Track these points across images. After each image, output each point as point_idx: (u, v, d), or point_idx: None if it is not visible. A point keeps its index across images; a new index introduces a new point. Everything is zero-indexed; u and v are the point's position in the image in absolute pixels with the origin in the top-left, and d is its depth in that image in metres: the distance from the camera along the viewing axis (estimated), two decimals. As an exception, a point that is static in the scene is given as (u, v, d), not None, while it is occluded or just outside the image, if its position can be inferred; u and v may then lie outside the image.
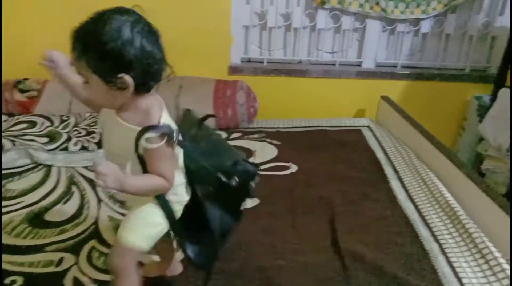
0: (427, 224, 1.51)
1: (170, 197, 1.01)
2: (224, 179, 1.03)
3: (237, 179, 1.04)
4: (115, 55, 0.84)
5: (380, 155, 2.01)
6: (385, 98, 2.47)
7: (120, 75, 0.85)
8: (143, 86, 0.90)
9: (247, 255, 1.33)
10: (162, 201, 1.00)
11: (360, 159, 1.97)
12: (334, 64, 2.61)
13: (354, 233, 1.44)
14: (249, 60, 2.62)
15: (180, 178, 1.03)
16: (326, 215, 1.56)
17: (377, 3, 2.44)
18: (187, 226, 1.06)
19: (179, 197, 1.05)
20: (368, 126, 2.36)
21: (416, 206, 1.62)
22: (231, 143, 2.13)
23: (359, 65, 2.64)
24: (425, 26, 2.56)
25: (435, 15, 2.52)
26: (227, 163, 1.05)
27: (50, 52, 1.03)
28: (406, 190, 1.72)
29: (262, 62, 2.57)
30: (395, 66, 2.64)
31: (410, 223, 1.51)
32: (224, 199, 1.08)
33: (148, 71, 0.88)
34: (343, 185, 1.74)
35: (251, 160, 1.94)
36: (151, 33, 0.89)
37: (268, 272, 1.27)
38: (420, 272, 1.28)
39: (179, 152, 1.01)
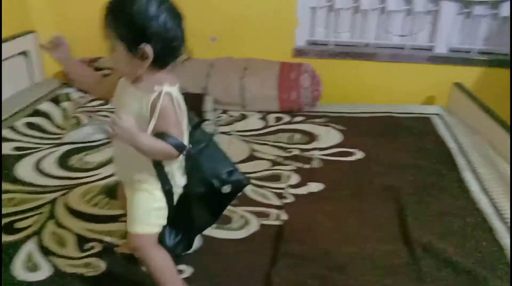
0: (502, 218, 1.44)
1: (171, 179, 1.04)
2: (217, 185, 1.10)
3: (229, 188, 1.12)
4: (140, 26, 0.91)
5: (451, 144, 1.92)
6: (458, 85, 2.35)
7: (142, 45, 0.92)
8: (161, 60, 0.96)
9: (314, 239, 1.34)
10: (165, 182, 1.04)
11: (429, 148, 1.90)
12: (403, 48, 2.51)
13: (424, 223, 1.40)
14: (314, 43, 2.58)
15: (181, 162, 1.07)
16: (393, 203, 1.52)
17: (454, -16, 2.31)
18: (170, 215, 1.10)
19: (178, 180, 1.07)
20: (438, 114, 2.26)
21: (491, 200, 1.54)
22: (294, 126, 2.13)
23: (430, 50, 2.51)
24: (506, 9, 2.38)
25: (519, -3, 2.34)
26: (223, 171, 1.12)
27: (56, 36, 1.11)
28: (480, 182, 1.63)
29: (327, 45, 2.52)
30: (469, 52, 2.49)
31: (484, 216, 1.44)
32: (211, 201, 1.14)
33: (167, 47, 0.95)
34: (411, 174, 1.69)
35: (314, 144, 1.94)
36: (175, 14, 0.96)
37: (335, 257, 1.26)
38: (495, 268, 1.22)
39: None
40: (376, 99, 2.44)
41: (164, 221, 1.09)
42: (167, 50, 0.96)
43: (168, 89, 0.96)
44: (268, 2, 2.37)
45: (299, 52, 2.48)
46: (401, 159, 1.81)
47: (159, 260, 1.07)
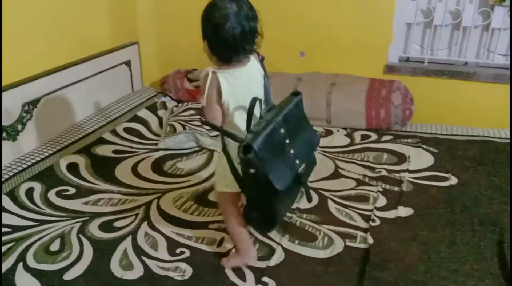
0: None
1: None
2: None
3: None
4: (202, 27, 1.16)
5: (561, 177, 1.74)
6: None
7: (204, 42, 1.16)
8: (218, 55, 1.16)
9: (401, 267, 1.28)
10: (223, 143, 1.21)
11: (534, 179, 1.73)
12: (507, 68, 2.33)
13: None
14: (407, 59, 2.49)
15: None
16: (490, 235, 1.41)
17: None
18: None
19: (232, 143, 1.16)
20: (544, 142, 2.06)
21: None
22: (382, 145, 2.06)
23: (539, 71, 2.31)
24: None
25: None
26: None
27: None
28: None
29: (422, 62, 2.42)
30: None
31: None
32: None
33: (219, 46, 1.13)
34: (510, 205, 1.55)
35: (403, 165, 1.86)
36: (237, 21, 1.11)
37: (425, 288, 1.20)
38: None
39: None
40: (473, 122, 2.28)
41: (226, 183, 1.24)
42: (220, 48, 1.14)
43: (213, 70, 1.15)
44: (362, 17, 2.33)
45: (391, 69, 2.41)
46: (499, 188, 1.67)
47: (231, 219, 1.28)
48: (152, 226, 1.44)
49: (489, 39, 2.32)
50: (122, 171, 1.79)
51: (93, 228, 1.43)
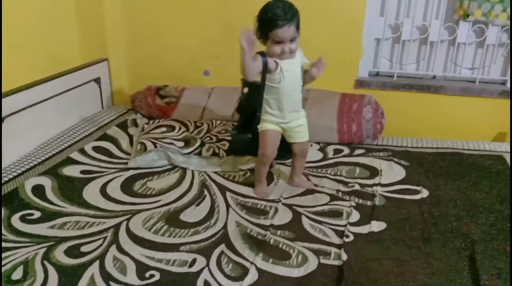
0: None
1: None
2: None
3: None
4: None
5: (528, 187, 1.78)
6: (535, 122, 2.19)
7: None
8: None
9: (377, 283, 1.26)
10: None
11: (504, 191, 1.76)
12: (474, 81, 2.39)
13: (499, 276, 1.28)
14: (377, 74, 2.53)
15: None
16: (463, 250, 1.41)
17: (531, 15, 2.18)
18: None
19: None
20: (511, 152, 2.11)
21: None
22: (355, 159, 2.07)
23: (503, 84, 2.38)
24: None
25: None
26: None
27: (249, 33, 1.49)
28: None
29: (392, 76, 2.46)
30: (548, 86, 2.34)
31: None
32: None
33: None
34: (484, 220, 1.57)
35: (376, 179, 1.87)
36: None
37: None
38: None
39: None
40: (443, 134, 2.33)
41: None
42: None
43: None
44: (333, 33, 2.36)
45: (361, 83, 2.44)
46: (471, 200, 1.70)
47: None
48: (121, 250, 1.39)
49: (455, 53, 2.39)
50: (90, 192, 1.73)
51: (59, 254, 1.37)
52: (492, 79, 2.40)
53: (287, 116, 1.69)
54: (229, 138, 2.01)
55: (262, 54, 1.59)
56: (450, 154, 2.09)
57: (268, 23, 1.51)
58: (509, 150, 2.14)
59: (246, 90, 1.75)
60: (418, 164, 2.01)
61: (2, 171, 1.78)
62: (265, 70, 1.59)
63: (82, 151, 2.02)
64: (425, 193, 1.76)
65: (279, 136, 1.73)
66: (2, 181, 1.71)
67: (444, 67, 2.44)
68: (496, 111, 2.35)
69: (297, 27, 1.54)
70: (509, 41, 2.30)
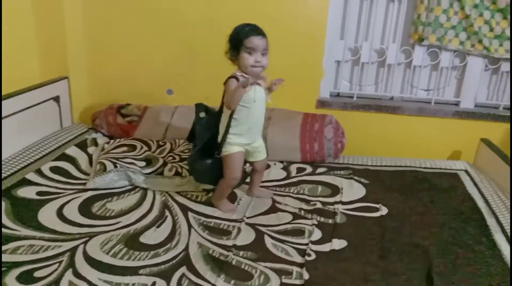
0: (539, 287, 1.35)
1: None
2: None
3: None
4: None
5: (480, 204, 1.85)
6: (486, 141, 2.30)
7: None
8: None
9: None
10: None
11: (458, 207, 1.83)
12: (429, 102, 2.50)
13: (454, 289, 1.32)
14: (338, 95, 2.60)
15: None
16: (420, 265, 1.45)
17: (480, 41, 2.31)
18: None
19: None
20: (465, 170, 2.20)
21: (525, 266, 1.45)
22: (317, 178, 2.10)
23: (457, 105, 2.50)
24: (534, 66, 2.37)
25: (546, 55, 2.33)
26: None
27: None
28: (513, 246, 1.56)
29: (352, 97, 2.54)
30: (497, 107, 2.47)
31: (519, 284, 1.36)
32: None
33: None
34: (440, 235, 1.62)
35: (337, 197, 1.90)
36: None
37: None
38: None
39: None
40: (401, 153, 2.41)
41: None
42: None
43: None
44: (295, 55, 2.41)
45: (323, 104, 2.50)
46: (427, 217, 1.75)
47: None
48: (77, 274, 1.34)
49: (411, 75, 2.49)
50: (46, 215, 1.66)
51: (10, 280, 1.30)
52: (446, 100, 2.51)
53: (253, 137, 1.73)
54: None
55: (235, 77, 1.63)
56: (408, 172, 2.16)
57: (242, 33, 1.59)
58: (463, 168, 2.24)
59: (203, 114, 1.79)
60: (378, 182, 2.06)
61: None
62: None
63: (39, 172, 1.95)
64: (384, 211, 1.81)
65: (243, 157, 1.76)
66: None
67: (401, 89, 2.54)
68: (451, 130, 2.45)
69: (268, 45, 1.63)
70: (491, 67, 2.41)
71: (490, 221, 1.72)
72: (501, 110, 2.45)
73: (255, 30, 1.60)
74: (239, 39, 1.60)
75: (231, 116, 1.67)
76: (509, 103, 2.43)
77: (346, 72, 2.56)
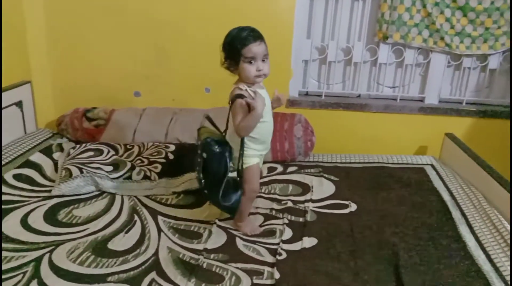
0: (501, 276, 1.40)
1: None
2: None
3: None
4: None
5: (446, 197, 1.90)
6: (450, 136, 2.37)
7: None
8: None
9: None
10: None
11: (424, 201, 1.88)
12: (395, 99, 2.55)
13: (421, 283, 1.35)
14: (307, 93, 2.62)
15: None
16: (388, 259, 1.48)
17: (442, 38, 2.38)
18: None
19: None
20: (431, 165, 2.26)
21: (488, 256, 1.50)
22: (288, 176, 2.11)
23: (422, 101, 2.56)
24: (494, 62, 2.46)
25: (504, 51, 2.41)
26: None
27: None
28: (476, 237, 1.61)
29: (320, 96, 2.56)
30: (460, 103, 2.54)
31: (482, 274, 1.40)
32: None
33: None
34: (407, 229, 1.66)
35: (307, 195, 1.92)
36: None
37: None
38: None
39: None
40: (369, 150, 2.45)
41: None
42: None
43: None
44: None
45: (292, 103, 2.51)
46: (395, 212, 1.79)
47: None
48: (43, 284, 1.30)
49: (377, 73, 2.54)
50: (10, 224, 1.60)
51: (-29, 294, 1.26)
52: (412, 96, 2.57)
53: (268, 145, 1.65)
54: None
55: (240, 96, 1.48)
56: (376, 168, 2.20)
57: (239, 41, 1.45)
58: (429, 162, 2.30)
59: (216, 148, 1.51)
60: (347, 179, 2.09)
61: None
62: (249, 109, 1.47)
63: (1, 180, 1.89)
64: (353, 207, 1.83)
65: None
66: None
67: (368, 86, 2.58)
68: (416, 126, 2.51)
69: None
70: (453, 63, 2.47)
71: (455, 214, 1.77)
72: (464, 105, 2.52)
73: (253, 36, 1.45)
74: (236, 49, 1.45)
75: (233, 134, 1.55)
76: (474, 98, 2.51)
77: (314, 71, 2.59)
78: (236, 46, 1.46)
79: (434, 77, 2.50)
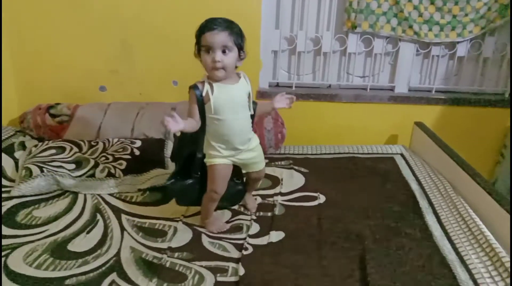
0: (466, 265, 1.40)
1: None
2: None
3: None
4: (243, 37, 1.45)
5: (414, 186, 1.91)
6: (419, 124, 2.37)
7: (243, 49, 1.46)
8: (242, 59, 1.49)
9: (271, 295, 1.27)
10: None
11: (393, 190, 1.88)
12: (365, 89, 2.54)
13: (385, 273, 1.35)
14: (277, 85, 2.59)
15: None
16: (355, 252, 1.47)
17: (410, 27, 2.37)
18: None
19: None
20: (401, 154, 2.26)
21: (453, 245, 1.51)
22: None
23: (392, 90, 2.56)
24: (462, 50, 2.46)
25: (472, 38, 2.42)
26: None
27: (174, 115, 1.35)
28: (443, 226, 1.61)
29: (290, 87, 2.53)
30: (429, 91, 2.55)
31: (447, 263, 1.40)
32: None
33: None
34: (374, 219, 1.66)
35: (277, 189, 1.90)
36: None
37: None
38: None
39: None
40: (341, 140, 2.44)
41: None
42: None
43: None
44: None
45: (262, 95, 2.47)
46: (363, 202, 1.78)
47: None
48: (-4, 291, 1.25)
49: (347, 63, 2.52)
50: (-36, 228, 1.54)
51: None
52: (381, 85, 2.56)
53: (236, 148, 1.52)
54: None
55: (195, 87, 1.44)
56: (346, 159, 2.19)
57: (199, 29, 1.39)
58: (398, 152, 2.30)
59: (179, 132, 1.53)
60: (317, 171, 2.07)
61: None
62: (201, 102, 1.44)
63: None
64: (322, 199, 1.82)
65: (230, 169, 1.56)
66: None
67: (338, 76, 2.56)
68: (387, 115, 2.51)
69: (235, 39, 1.39)
70: (422, 52, 2.47)
71: (422, 203, 1.77)
72: (434, 93, 2.53)
73: (211, 23, 1.37)
74: (197, 37, 1.40)
75: (200, 132, 1.50)
76: (444, 87, 2.52)
77: (284, 61, 2.55)
78: (198, 32, 1.40)
79: (403, 66, 2.50)
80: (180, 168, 1.60)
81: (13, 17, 2.32)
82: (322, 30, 2.44)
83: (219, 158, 1.52)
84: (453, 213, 1.66)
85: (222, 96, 1.44)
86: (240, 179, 1.67)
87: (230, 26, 1.39)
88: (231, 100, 1.46)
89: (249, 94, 1.53)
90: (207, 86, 1.43)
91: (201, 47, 1.39)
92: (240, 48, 1.44)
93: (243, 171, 1.66)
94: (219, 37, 1.36)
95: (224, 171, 1.54)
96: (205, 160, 1.54)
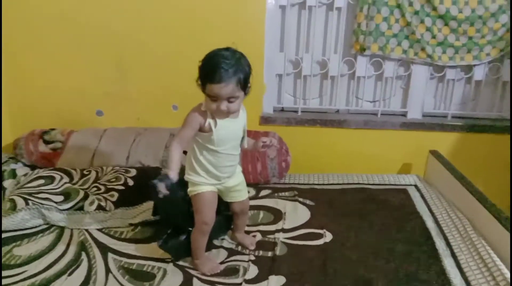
0: (490, 320, 1.23)
1: None
2: None
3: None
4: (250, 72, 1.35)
5: (430, 224, 1.74)
6: (434, 153, 2.21)
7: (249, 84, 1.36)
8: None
9: None
10: None
11: (406, 228, 1.71)
12: (375, 114, 2.40)
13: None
14: (282, 109, 2.46)
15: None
16: (364, 301, 1.31)
17: (423, 49, 2.24)
18: None
19: None
20: (415, 185, 2.10)
21: (475, 295, 1.34)
22: (260, 202, 1.94)
23: (404, 115, 2.41)
24: (479, 73, 2.32)
25: (490, 61, 2.28)
26: None
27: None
28: (462, 272, 1.44)
29: (296, 112, 2.40)
30: (445, 117, 2.39)
31: (468, 318, 1.24)
32: None
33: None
34: (386, 262, 1.50)
35: (279, 224, 1.75)
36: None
37: None
38: None
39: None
40: (349, 169, 2.29)
41: None
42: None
43: None
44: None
45: (266, 120, 2.35)
46: (373, 242, 1.62)
47: None
48: None
49: (356, 86, 2.39)
50: None
51: None
52: (393, 111, 2.42)
53: (222, 177, 1.45)
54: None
55: (196, 112, 1.36)
56: (355, 190, 2.04)
57: (205, 75, 1.28)
58: (412, 183, 2.14)
59: (161, 194, 1.32)
60: (324, 203, 1.92)
61: None
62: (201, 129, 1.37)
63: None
64: (328, 237, 1.67)
65: (216, 196, 1.48)
66: None
67: (346, 101, 2.43)
68: (399, 143, 2.36)
69: (242, 85, 1.30)
70: (436, 75, 2.33)
71: (439, 244, 1.60)
72: (450, 119, 2.38)
73: (220, 73, 1.24)
74: (203, 79, 1.29)
75: (189, 153, 1.43)
76: (461, 113, 2.37)
77: (289, 85, 2.43)
78: (203, 77, 1.29)
79: (416, 90, 2.35)
80: (171, 226, 1.54)
81: (4, 40, 2.25)
82: (329, 53, 2.32)
83: (204, 186, 1.44)
84: (474, 257, 1.49)
85: (223, 130, 1.38)
86: (226, 206, 1.58)
87: (237, 73, 1.27)
88: (233, 133, 1.43)
89: (244, 127, 1.48)
90: (209, 119, 1.36)
91: (205, 92, 1.31)
92: (247, 85, 1.35)
93: (226, 200, 1.56)
94: (226, 90, 1.27)
95: (211, 199, 1.45)
96: (189, 190, 1.45)
